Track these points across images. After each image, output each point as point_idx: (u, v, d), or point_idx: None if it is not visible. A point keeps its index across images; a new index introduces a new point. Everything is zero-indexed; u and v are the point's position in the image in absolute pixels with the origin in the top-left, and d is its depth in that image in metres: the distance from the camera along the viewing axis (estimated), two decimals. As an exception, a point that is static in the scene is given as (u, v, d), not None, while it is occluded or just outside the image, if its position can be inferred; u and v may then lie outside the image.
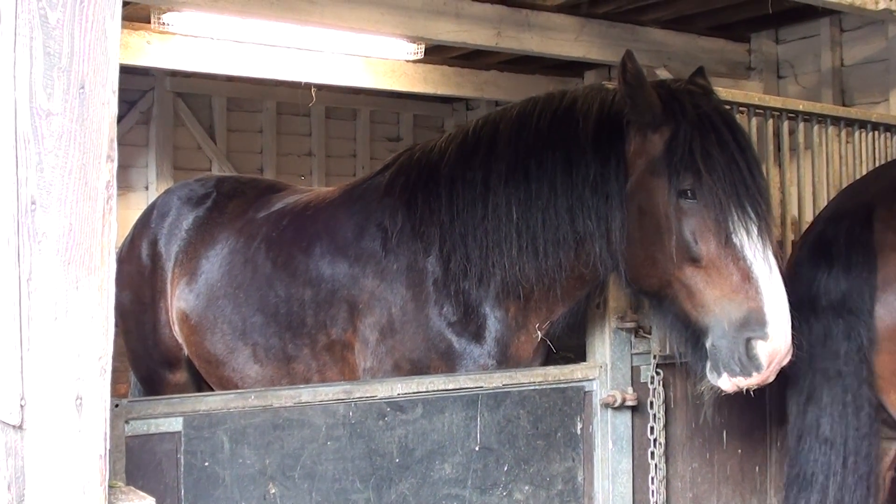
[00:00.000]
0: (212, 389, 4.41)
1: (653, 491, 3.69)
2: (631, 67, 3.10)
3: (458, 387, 3.26)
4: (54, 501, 1.68)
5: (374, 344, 3.58)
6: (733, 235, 2.99)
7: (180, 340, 4.57)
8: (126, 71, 7.85)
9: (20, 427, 1.66)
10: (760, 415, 4.11)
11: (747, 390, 3.06)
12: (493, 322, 3.49)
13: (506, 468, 3.34)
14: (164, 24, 6.58)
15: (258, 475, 2.88)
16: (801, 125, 4.48)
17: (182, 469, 2.77)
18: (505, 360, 3.50)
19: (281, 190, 4.72)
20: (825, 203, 4.47)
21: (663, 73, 6.94)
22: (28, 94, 1.65)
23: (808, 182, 4.63)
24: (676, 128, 3.08)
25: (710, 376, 3.07)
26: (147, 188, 9.51)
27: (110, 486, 1.79)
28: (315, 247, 3.88)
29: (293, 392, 2.99)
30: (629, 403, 3.63)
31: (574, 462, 3.53)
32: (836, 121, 4.64)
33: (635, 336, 3.70)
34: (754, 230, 3.00)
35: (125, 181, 9.24)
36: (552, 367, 3.58)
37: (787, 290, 2.99)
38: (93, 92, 1.71)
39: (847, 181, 4.62)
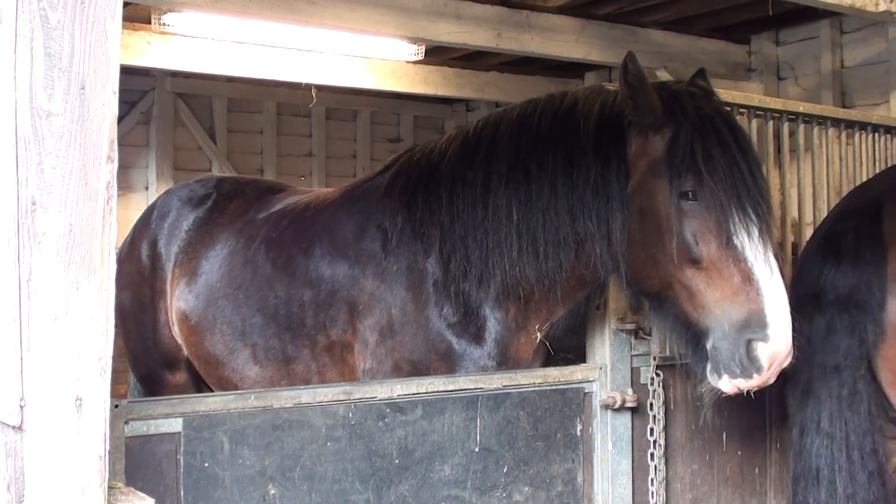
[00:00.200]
0: (211, 390, 4.41)
1: (652, 492, 3.69)
2: (632, 69, 3.10)
3: (457, 388, 3.26)
4: (54, 502, 1.68)
5: (373, 345, 3.58)
6: (734, 237, 2.99)
7: (180, 341, 4.57)
8: (126, 71, 7.82)
9: (20, 428, 1.66)
10: (760, 417, 4.11)
11: (747, 392, 3.06)
12: (494, 323, 3.48)
13: (505, 469, 3.34)
14: (164, 24, 6.58)
15: (258, 476, 2.88)
16: (802, 127, 4.47)
17: (182, 470, 2.77)
18: (505, 361, 3.50)
19: (281, 191, 4.72)
20: (825, 205, 4.48)
21: (664, 75, 6.93)
22: (28, 95, 1.65)
23: (809, 184, 4.62)
24: (677, 129, 3.08)
25: (711, 378, 3.07)
26: (147, 189, 9.49)
27: (110, 487, 1.79)
28: (315, 248, 3.87)
29: (293, 393, 2.99)
30: (629, 405, 3.63)
31: (574, 463, 3.52)
32: (836, 122, 4.64)
33: (635, 337, 3.71)
34: (755, 232, 3.00)
35: (125, 182, 9.23)
36: (552, 368, 3.58)
37: (787, 292, 3.00)
38: (93, 92, 1.70)
39: (847, 183, 4.63)
